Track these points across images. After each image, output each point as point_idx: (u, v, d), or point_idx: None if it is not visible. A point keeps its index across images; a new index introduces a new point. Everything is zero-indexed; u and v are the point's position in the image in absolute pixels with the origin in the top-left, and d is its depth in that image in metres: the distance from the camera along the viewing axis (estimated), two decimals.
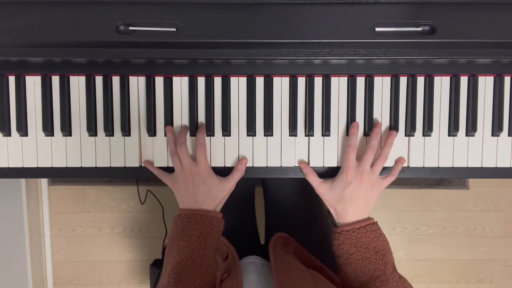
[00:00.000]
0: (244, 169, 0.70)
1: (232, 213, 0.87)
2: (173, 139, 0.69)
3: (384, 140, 0.70)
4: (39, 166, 0.71)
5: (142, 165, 0.71)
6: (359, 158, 0.67)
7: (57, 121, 0.71)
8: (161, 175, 0.69)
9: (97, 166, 0.71)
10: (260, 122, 0.71)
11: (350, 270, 0.64)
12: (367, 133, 0.71)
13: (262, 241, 0.95)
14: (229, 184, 0.68)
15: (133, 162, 0.71)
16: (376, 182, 0.66)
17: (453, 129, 0.71)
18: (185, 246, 0.63)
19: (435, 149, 0.71)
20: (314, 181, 0.68)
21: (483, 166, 0.72)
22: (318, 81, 0.71)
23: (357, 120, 0.71)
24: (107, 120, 0.70)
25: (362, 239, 0.63)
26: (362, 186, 0.65)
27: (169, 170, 0.70)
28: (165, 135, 0.71)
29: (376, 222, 0.65)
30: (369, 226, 0.64)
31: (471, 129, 0.70)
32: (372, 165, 0.66)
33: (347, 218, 0.65)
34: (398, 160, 0.70)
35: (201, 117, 0.71)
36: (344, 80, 0.71)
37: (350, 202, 0.65)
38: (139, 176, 0.72)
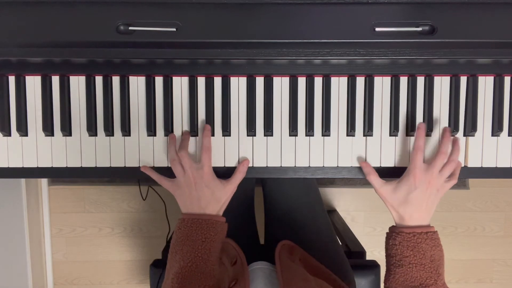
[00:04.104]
0: (245, 171, 0.69)
1: (231, 213, 0.86)
2: (174, 145, 0.69)
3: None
4: (39, 166, 0.71)
5: (141, 169, 0.71)
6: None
7: (57, 121, 0.71)
8: (160, 179, 0.69)
9: (97, 166, 0.71)
10: (260, 122, 0.71)
11: (400, 272, 0.63)
12: (367, 133, 0.71)
13: (261, 241, 0.95)
14: (231, 186, 0.67)
15: (133, 162, 0.71)
16: (441, 186, 0.65)
17: (453, 129, 0.71)
18: (189, 251, 0.62)
19: (435, 149, 0.71)
20: (376, 181, 0.67)
21: (483, 166, 0.72)
22: (318, 81, 0.71)
23: (356, 120, 0.71)
24: (107, 120, 0.70)
25: (421, 245, 0.62)
26: (428, 191, 0.64)
27: (169, 170, 0.70)
28: (165, 135, 0.71)
29: (437, 231, 0.65)
30: (430, 233, 0.63)
31: (471, 129, 0.70)
32: (440, 170, 0.65)
33: (410, 222, 0.64)
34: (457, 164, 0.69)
35: (201, 117, 0.71)
36: (344, 80, 0.71)
37: (415, 206, 0.64)
38: (139, 176, 0.72)
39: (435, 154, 0.67)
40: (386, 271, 0.68)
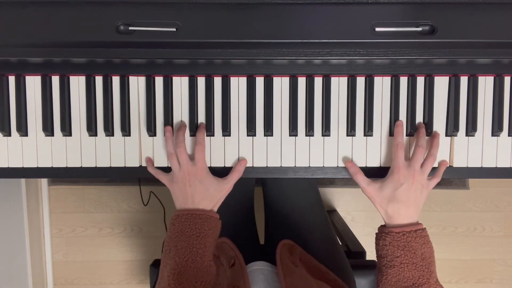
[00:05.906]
0: (242, 171, 0.69)
1: (231, 213, 0.87)
2: (171, 139, 0.69)
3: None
4: (39, 166, 0.71)
5: (143, 164, 0.71)
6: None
7: (57, 121, 0.71)
8: (158, 174, 0.69)
9: (97, 166, 0.71)
10: (260, 122, 0.71)
11: (392, 273, 0.63)
12: (367, 133, 0.71)
13: (261, 241, 0.95)
14: (227, 185, 0.67)
15: (133, 162, 0.71)
16: (425, 183, 0.66)
17: (453, 129, 0.71)
18: (184, 247, 0.62)
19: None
20: (362, 181, 0.67)
21: (483, 166, 0.72)
22: (318, 81, 0.71)
23: (357, 120, 0.71)
24: (107, 120, 0.70)
25: (411, 244, 0.62)
26: (413, 187, 0.64)
27: (168, 170, 0.70)
28: (165, 135, 0.71)
29: (425, 228, 0.64)
30: (419, 231, 0.63)
31: (471, 129, 0.70)
32: (421, 166, 0.66)
33: (399, 220, 0.64)
34: (441, 162, 0.70)
35: (201, 117, 0.71)
36: (344, 80, 0.71)
37: (402, 203, 0.64)
38: (138, 176, 0.72)
39: (413, 150, 0.67)
40: (378, 273, 0.67)
